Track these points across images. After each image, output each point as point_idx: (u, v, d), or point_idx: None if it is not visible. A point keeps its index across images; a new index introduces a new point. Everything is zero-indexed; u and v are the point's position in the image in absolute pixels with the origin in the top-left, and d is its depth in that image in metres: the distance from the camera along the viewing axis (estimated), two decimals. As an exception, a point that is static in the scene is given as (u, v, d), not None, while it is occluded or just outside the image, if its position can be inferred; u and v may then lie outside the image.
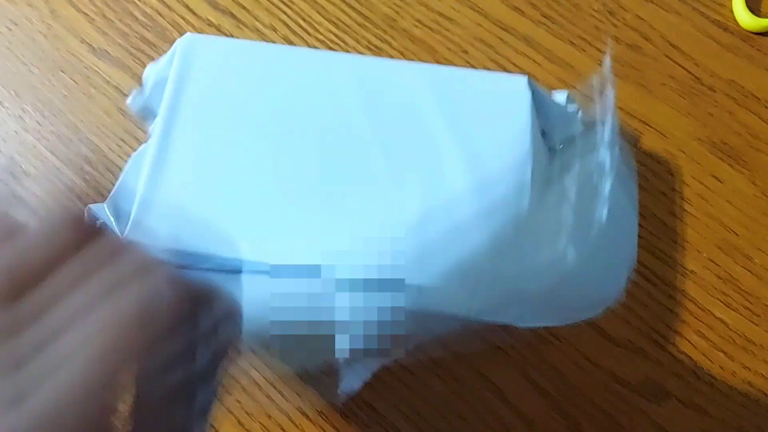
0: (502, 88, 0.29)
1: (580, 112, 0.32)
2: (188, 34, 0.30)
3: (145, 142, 0.34)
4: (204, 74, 0.30)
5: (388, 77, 0.30)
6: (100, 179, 0.36)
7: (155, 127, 0.30)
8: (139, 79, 0.38)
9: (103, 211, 0.30)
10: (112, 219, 0.30)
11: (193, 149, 0.29)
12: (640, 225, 0.34)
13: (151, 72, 0.32)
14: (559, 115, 0.30)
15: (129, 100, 0.35)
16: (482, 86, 0.29)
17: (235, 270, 0.29)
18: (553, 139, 0.31)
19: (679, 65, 0.37)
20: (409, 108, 0.29)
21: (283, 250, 0.28)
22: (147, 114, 0.36)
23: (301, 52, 0.30)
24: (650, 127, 0.36)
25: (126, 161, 0.36)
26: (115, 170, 0.36)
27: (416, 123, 0.29)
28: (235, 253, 0.28)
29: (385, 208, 0.28)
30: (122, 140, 0.36)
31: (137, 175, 0.31)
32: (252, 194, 0.28)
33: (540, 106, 0.29)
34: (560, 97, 0.31)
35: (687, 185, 0.35)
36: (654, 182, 0.35)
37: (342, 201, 0.28)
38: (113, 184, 0.35)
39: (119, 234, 0.29)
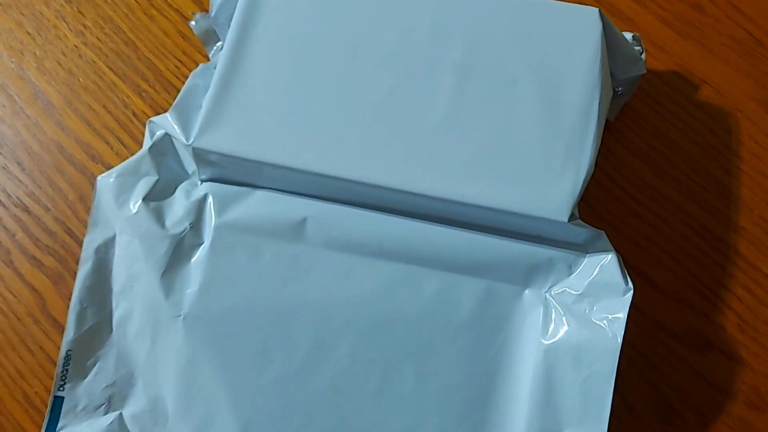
0: (573, 19, 0.29)
1: (644, 55, 0.32)
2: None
3: (205, 63, 0.34)
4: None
5: (459, 4, 0.30)
6: (156, 97, 0.36)
7: (226, 40, 0.30)
8: (200, 4, 0.38)
9: (166, 121, 0.31)
10: (176, 127, 0.30)
11: (261, 64, 0.29)
12: (692, 180, 0.34)
13: (218, -9, 0.32)
14: (626, 52, 0.30)
15: (192, 23, 0.35)
16: (553, 16, 0.29)
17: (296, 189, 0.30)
18: (616, 78, 0.31)
19: (741, 26, 0.37)
20: (480, 35, 0.29)
21: (345, 164, 0.28)
22: (209, 38, 0.36)
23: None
24: (708, 85, 0.36)
25: (183, 82, 0.36)
26: (171, 90, 0.36)
27: (486, 50, 0.29)
28: (301, 165, 0.28)
29: (452, 134, 0.28)
30: (180, 62, 0.36)
31: (202, 88, 0.32)
32: (319, 111, 0.29)
33: (608, 40, 0.29)
34: (627, 36, 0.31)
35: (742, 143, 0.35)
36: (709, 139, 0.35)
37: (410, 124, 0.28)
38: (169, 103, 0.36)
39: (184, 141, 0.30)
